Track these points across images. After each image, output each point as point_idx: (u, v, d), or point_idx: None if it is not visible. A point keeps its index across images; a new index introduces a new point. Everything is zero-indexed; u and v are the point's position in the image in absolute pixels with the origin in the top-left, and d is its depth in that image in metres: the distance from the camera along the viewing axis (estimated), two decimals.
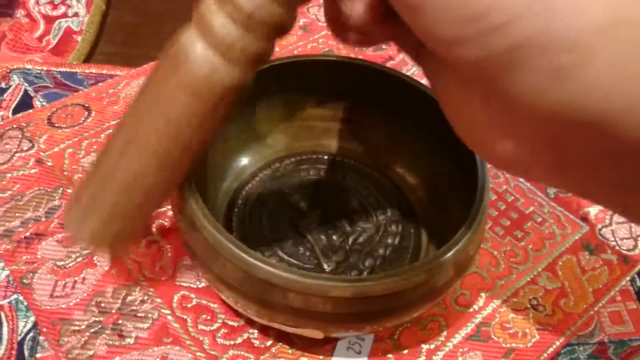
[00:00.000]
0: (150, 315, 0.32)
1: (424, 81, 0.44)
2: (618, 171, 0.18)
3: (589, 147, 0.18)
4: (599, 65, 0.16)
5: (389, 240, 0.35)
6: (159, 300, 0.32)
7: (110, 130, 0.40)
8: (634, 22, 0.16)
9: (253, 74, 0.23)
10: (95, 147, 0.39)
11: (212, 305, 0.32)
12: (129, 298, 0.32)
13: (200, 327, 0.31)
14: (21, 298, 0.32)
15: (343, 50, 0.48)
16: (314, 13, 0.51)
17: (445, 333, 0.33)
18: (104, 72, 0.45)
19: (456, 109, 0.23)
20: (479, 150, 0.23)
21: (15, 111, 0.41)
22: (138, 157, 0.24)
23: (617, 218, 0.39)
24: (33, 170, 0.37)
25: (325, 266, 0.33)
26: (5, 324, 0.31)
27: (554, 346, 0.33)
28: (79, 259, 0.33)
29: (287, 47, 0.48)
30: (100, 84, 0.43)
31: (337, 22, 0.23)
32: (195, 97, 0.22)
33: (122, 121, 0.25)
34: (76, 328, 0.31)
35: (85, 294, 0.32)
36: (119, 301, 0.32)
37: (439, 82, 0.23)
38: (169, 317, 0.32)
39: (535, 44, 0.17)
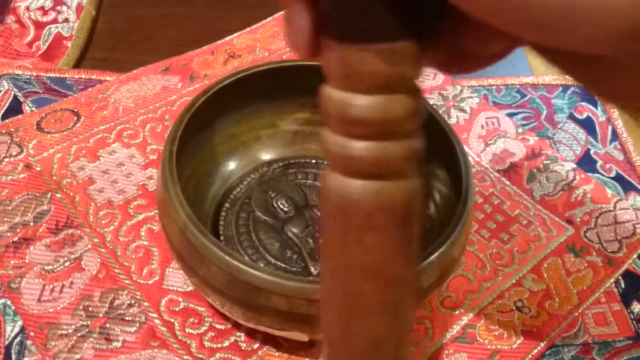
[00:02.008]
0: (137, 318, 0.32)
1: None
2: None
3: None
4: None
5: None
6: (146, 303, 0.32)
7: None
8: None
9: (417, 171, 0.20)
10: (84, 152, 0.39)
11: (199, 308, 0.33)
12: (117, 302, 0.32)
13: (187, 330, 0.32)
14: (9, 302, 0.32)
15: None
16: None
17: (430, 335, 0.33)
18: (94, 77, 0.45)
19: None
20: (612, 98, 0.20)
21: (5, 116, 0.41)
22: (367, 321, 0.21)
23: (602, 221, 0.39)
24: (22, 175, 0.37)
25: (313, 269, 0.33)
26: None
27: (539, 347, 0.33)
28: (66, 264, 0.34)
29: (276, 52, 0.48)
30: (89, 89, 0.43)
31: (447, 61, 0.20)
32: (378, 230, 0.19)
33: (328, 299, 0.22)
34: (63, 332, 0.31)
35: (72, 298, 0.32)
36: (107, 305, 0.32)
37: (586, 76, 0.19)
38: (157, 321, 0.32)
39: None
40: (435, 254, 0.27)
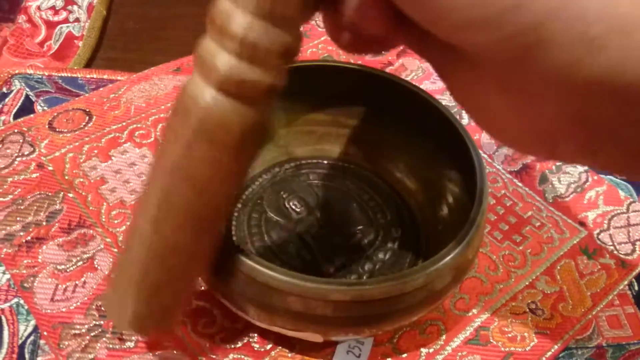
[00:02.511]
0: None
1: (423, 86, 0.44)
2: None
3: (621, 118, 0.17)
4: (636, 34, 0.15)
5: (389, 245, 0.35)
6: None
7: (110, 135, 0.40)
8: None
9: (269, 107, 0.22)
10: (96, 151, 0.39)
11: (212, 309, 0.32)
12: None
13: (200, 330, 0.32)
14: (22, 302, 0.32)
15: (342, 56, 0.49)
16: (313, 19, 0.51)
17: (444, 337, 0.33)
18: (105, 77, 0.45)
19: (470, 97, 0.21)
20: (498, 134, 0.22)
21: (17, 116, 0.41)
22: (171, 228, 0.23)
23: (615, 223, 0.39)
24: (34, 175, 0.37)
25: (325, 270, 0.33)
26: (6, 328, 0.31)
27: (553, 350, 0.33)
28: (79, 263, 0.34)
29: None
30: (101, 89, 0.43)
31: (335, 25, 0.22)
32: (214, 146, 0.21)
33: (145, 196, 0.24)
34: (77, 332, 0.31)
35: (85, 298, 0.32)
36: None
37: (448, 70, 0.22)
38: None
39: (563, 17, 0.16)
40: (450, 256, 0.27)
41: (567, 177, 0.42)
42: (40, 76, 0.44)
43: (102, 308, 0.28)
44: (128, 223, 0.36)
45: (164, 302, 0.25)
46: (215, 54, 0.20)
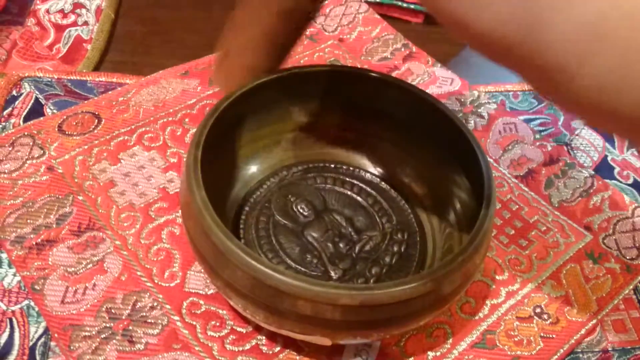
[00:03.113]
0: (159, 321, 0.32)
1: (429, 90, 0.45)
2: None
3: None
4: None
5: (395, 248, 0.35)
6: (168, 306, 0.33)
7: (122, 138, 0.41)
8: None
9: None
10: (105, 154, 0.39)
11: (221, 311, 0.33)
12: (139, 304, 0.33)
13: (209, 333, 0.32)
14: (32, 304, 0.32)
15: (349, 60, 0.49)
16: (320, 23, 0.52)
17: (450, 340, 0.33)
18: (114, 80, 0.45)
19: None
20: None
21: (27, 119, 0.41)
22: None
23: (620, 227, 0.39)
24: (44, 177, 0.38)
25: (332, 274, 0.34)
26: (16, 330, 0.31)
27: (558, 354, 0.33)
28: (89, 266, 0.34)
29: (294, 56, 0.49)
30: (110, 92, 0.44)
31: None
32: None
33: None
34: (87, 334, 0.31)
35: (95, 300, 0.33)
36: (129, 307, 0.32)
37: None
38: (179, 323, 0.32)
39: None
40: (457, 261, 0.27)
41: (572, 181, 0.42)
42: (49, 79, 0.44)
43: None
44: (137, 226, 0.36)
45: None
46: None
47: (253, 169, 0.37)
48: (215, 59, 0.32)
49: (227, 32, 0.31)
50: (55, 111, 0.42)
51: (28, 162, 0.38)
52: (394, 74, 0.48)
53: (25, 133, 0.40)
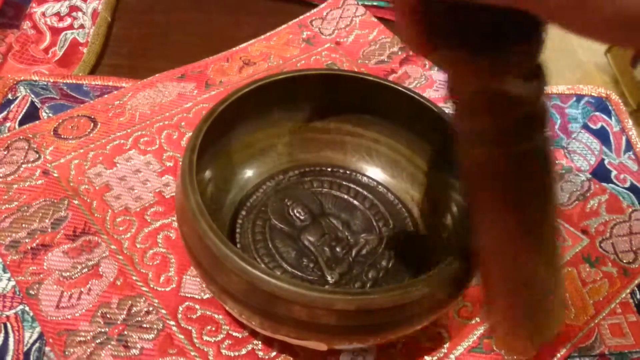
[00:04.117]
0: (155, 326, 0.32)
1: (426, 94, 0.45)
2: None
3: None
4: None
5: (392, 252, 0.35)
6: (163, 311, 0.33)
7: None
8: None
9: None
10: (100, 158, 0.39)
11: (216, 316, 0.33)
12: (134, 309, 0.32)
13: (205, 338, 0.32)
14: (27, 309, 0.32)
15: (346, 63, 0.49)
16: (317, 26, 0.52)
17: (447, 345, 0.33)
18: (110, 83, 0.45)
19: None
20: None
21: (22, 122, 0.41)
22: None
23: (617, 231, 0.39)
24: (39, 181, 0.38)
25: (329, 278, 0.33)
26: (11, 335, 0.31)
27: (556, 358, 0.33)
28: (84, 271, 0.34)
29: (291, 59, 0.48)
30: (106, 95, 0.44)
31: None
32: None
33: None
34: (82, 339, 0.31)
35: (90, 305, 0.32)
36: (124, 312, 0.32)
37: None
38: (174, 328, 0.32)
39: None
40: (454, 265, 0.27)
41: (569, 185, 0.42)
42: (45, 83, 0.44)
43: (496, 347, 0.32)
44: (133, 230, 0.36)
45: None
46: None
47: (249, 173, 0.37)
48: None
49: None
50: (50, 115, 0.42)
51: (23, 166, 0.38)
52: (390, 77, 0.48)
53: (21, 137, 0.40)
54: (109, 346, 0.31)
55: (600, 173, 0.43)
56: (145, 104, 0.43)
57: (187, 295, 0.33)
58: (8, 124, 0.41)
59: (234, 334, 0.32)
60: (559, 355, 0.33)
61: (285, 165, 0.38)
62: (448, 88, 0.23)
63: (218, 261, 0.27)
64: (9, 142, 0.40)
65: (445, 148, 0.34)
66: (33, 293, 0.33)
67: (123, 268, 0.34)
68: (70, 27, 0.50)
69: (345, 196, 0.38)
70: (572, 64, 0.56)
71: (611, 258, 0.38)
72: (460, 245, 0.28)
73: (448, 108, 0.45)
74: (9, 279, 0.33)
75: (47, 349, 0.31)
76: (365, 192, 0.38)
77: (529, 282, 0.26)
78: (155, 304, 0.33)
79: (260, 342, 0.32)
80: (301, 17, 0.52)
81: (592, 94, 0.48)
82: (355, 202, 0.37)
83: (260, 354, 0.32)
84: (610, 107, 0.47)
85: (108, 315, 0.32)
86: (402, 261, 0.35)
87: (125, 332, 0.31)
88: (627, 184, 0.43)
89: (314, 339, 0.27)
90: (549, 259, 0.26)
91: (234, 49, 0.49)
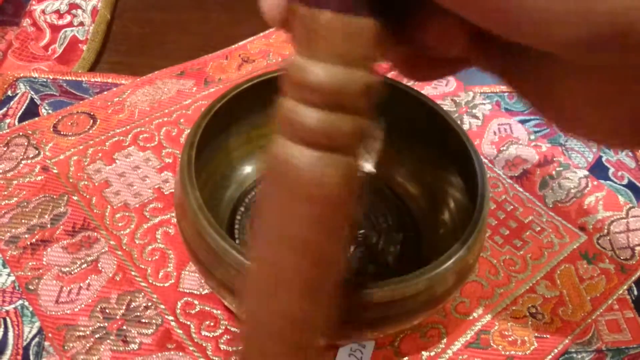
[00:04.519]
0: (154, 321, 0.32)
1: (424, 91, 0.45)
2: None
3: None
4: None
5: (390, 248, 0.35)
6: (162, 306, 0.33)
7: (117, 136, 0.41)
8: None
9: (360, 150, 0.20)
10: (100, 154, 0.39)
11: (215, 311, 0.33)
12: (133, 304, 0.33)
13: (203, 333, 0.32)
14: (27, 304, 0.32)
15: None
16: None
17: (445, 340, 0.33)
18: (109, 80, 0.45)
19: (549, 100, 0.20)
20: (576, 130, 0.20)
21: (22, 119, 0.41)
22: (288, 300, 0.21)
23: (614, 228, 0.39)
24: (39, 177, 0.38)
25: None
26: (10, 330, 0.31)
27: (553, 354, 0.33)
28: (83, 266, 0.34)
29: (290, 57, 0.49)
30: (105, 92, 0.44)
31: (406, 55, 0.21)
32: (314, 203, 0.20)
33: (253, 272, 0.22)
34: (81, 334, 0.31)
35: (90, 300, 0.32)
36: (123, 307, 0.32)
37: (525, 78, 0.20)
38: (173, 323, 0.32)
39: None
40: (451, 261, 0.27)
41: (567, 182, 0.42)
42: (45, 79, 0.44)
43: None
44: (132, 226, 0.36)
45: None
46: (298, 110, 0.19)
47: (248, 169, 0.37)
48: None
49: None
50: (50, 111, 0.42)
51: (23, 162, 0.38)
52: (389, 75, 0.48)
53: (20, 133, 0.40)
54: (108, 341, 0.31)
55: (598, 170, 0.43)
56: (144, 100, 0.43)
57: (185, 290, 0.34)
58: (8, 121, 0.41)
59: (233, 329, 0.32)
60: (556, 351, 0.33)
61: None
62: None
63: (217, 256, 0.27)
64: (8, 138, 0.40)
65: (443, 145, 0.34)
66: (32, 288, 0.33)
67: (122, 263, 0.34)
68: (70, 24, 0.50)
69: None
70: None
71: (608, 255, 0.38)
72: (459, 242, 0.28)
73: (446, 105, 0.45)
74: (8, 274, 0.33)
75: (46, 343, 0.31)
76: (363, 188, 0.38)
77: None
78: (154, 299, 0.33)
79: None
80: None
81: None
82: None
83: None
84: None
85: (107, 310, 0.32)
86: (400, 257, 0.35)
87: (124, 327, 0.32)
88: (625, 181, 0.43)
89: None
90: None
91: (233, 46, 0.49)
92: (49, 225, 0.35)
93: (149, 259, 0.35)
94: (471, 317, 0.34)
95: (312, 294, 0.21)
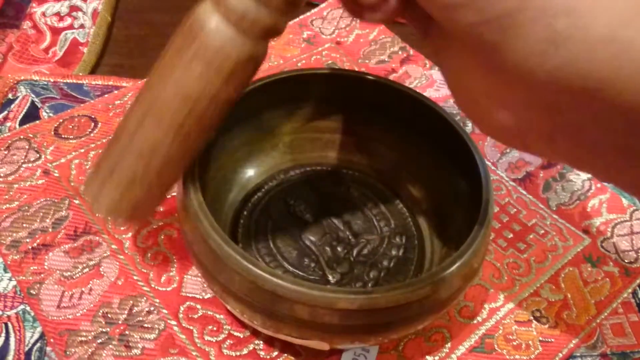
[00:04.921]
0: (156, 326, 0.32)
1: (427, 93, 0.45)
2: (611, 136, 0.19)
3: (582, 112, 0.19)
4: (596, 30, 0.17)
5: (393, 252, 0.35)
6: (165, 311, 0.33)
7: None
8: None
9: (265, 48, 0.25)
10: None
11: (218, 316, 0.33)
12: (136, 309, 0.32)
13: (206, 338, 0.32)
14: (28, 309, 0.32)
15: (347, 63, 0.49)
16: (317, 26, 0.52)
17: (449, 345, 0.33)
18: (110, 83, 0.45)
19: (458, 81, 0.24)
20: (478, 122, 0.24)
21: (22, 122, 0.41)
22: (155, 128, 0.25)
23: (618, 230, 0.39)
24: (40, 181, 0.37)
25: (330, 277, 0.33)
26: (12, 335, 0.31)
27: (557, 358, 0.33)
28: (85, 270, 0.34)
29: (291, 59, 0.48)
30: (106, 95, 0.44)
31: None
32: (210, 67, 0.24)
33: (140, 93, 0.26)
34: (83, 339, 0.31)
35: (92, 305, 0.32)
36: (126, 312, 0.32)
37: (444, 56, 0.24)
38: (175, 328, 0.32)
39: (532, 7, 0.17)
40: (456, 265, 0.27)
41: (570, 185, 0.42)
42: (45, 82, 0.44)
43: (81, 192, 0.30)
44: (134, 230, 0.36)
45: (137, 195, 0.27)
46: None
47: (250, 172, 0.37)
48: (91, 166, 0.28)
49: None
50: (51, 114, 0.42)
51: (24, 165, 0.38)
52: (391, 77, 0.48)
53: (21, 137, 0.40)
54: (110, 346, 0.31)
55: None
56: None
57: (188, 295, 0.33)
58: (8, 124, 0.41)
59: (236, 333, 0.32)
60: (560, 355, 0.33)
61: (287, 164, 0.38)
62: None
63: (220, 260, 0.27)
64: (9, 141, 0.40)
65: (446, 147, 0.34)
66: (34, 293, 0.32)
67: (124, 268, 0.34)
68: (71, 27, 0.50)
69: (347, 196, 0.37)
70: None
71: (612, 258, 0.38)
72: (464, 246, 0.28)
73: (449, 107, 0.45)
74: (10, 279, 0.33)
75: (48, 349, 0.31)
76: (366, 192, 0.38)
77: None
78: (157, 304, 0.33)
79: (261, 342, 0.32)
80: (301, 16, 0.52)
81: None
82: (356, 202, 0.37)
83: (262, 353, 0.32)
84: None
85: (109, 315, 0.32)
86: (404, 261, 0.35)
87: (127, 332, 0.31)
88: None
89: (316, 338, 0.27)
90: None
91: None
92: (50, 230, 0.35)
93: (152, 263, 0.34)
94: (475, 321, 0.34)
95: (178, 134, 0.25)
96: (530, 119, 0.21)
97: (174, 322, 0.32)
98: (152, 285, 0.33)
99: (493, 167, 0.42)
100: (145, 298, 0.33)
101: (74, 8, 0.51)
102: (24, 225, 0.35)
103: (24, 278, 0.33)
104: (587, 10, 0.17)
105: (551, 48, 0.17)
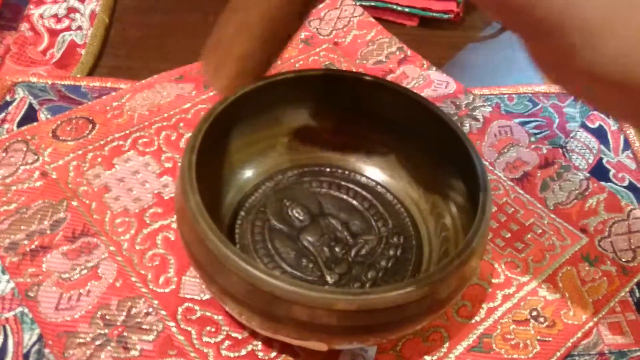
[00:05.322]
0: (154, 327, 0.32)
1: (424, 94, 0.45)
2: None
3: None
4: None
5: (391, 252, 0.35)
6: (163, 312, 0.33)
7: (116, 143, 0.40)
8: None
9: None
10: (99, 159, 0.39)
11: (216, 317, 0.33)
12: (134, 310, 0.32)
13: (204, 339, 0.32)
14: (26, 311, 0.32)
15: (344, 64, 0.49)
16: (315, 27, 0.52)
17: (447, 344, 0.33)
18: (108, 85, 0.45)
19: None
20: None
21: (20, 124, 0.41)
22: (255, 19, 0.29)
23: (616, 230, 0.39)
24: (38, 183, 0.38)
25: (328, 278, 0.33)
26: (10, 337, 0.31)
27: (555, 357, 0.33)
28: (83, 272, 0.34)
29: (289, 60, 0.48)
30: (104, 97, 0.44)
31: None
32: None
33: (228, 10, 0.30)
34: (81, 340, 0.31)
35: (90, 307, 0.32)
36: (124, 313, 0.32)
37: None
38: (174, 329, 0.32)
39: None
40: (454, 265, 0.27)
41: (568, 184, 0.42)
42: (43, 84, 0.44)
43: (203, 70, 0.33)
44: (132, 231, 0.36)
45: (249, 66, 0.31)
46: None
47: (248, 173, 0.37)
48: (207, 47, 0.31)
49: (221, 17, 0.30)
50: (49, 116, 0.42)
51: (22, 167, 0.38)
52: (389, 78, 0.48)
53: (19, 138, 0.40)
54: (109, 348, 0.31)
55: (599, 172, 0.43)
56: (143, 105, 0.43)
57: (186, 296, 0.33)
58: (6, 126, 0.41)
59: (234, 334, 0.32)
60: (558, 354, 0.33)
61: (285, 165, 0.38)
62: None
63: (218, 262, 0.27)
64: (7, 143, 0.39)
65: (444, 148, 0.34)
66: (32, 295, 0.32)
67: (122, 269, 0.34)
68: (68, 28, 0.50)
69: (344, 196, 0.38)
70: None
71: (610, 257, 0.38)
72: (462, 245, 0.28)
73: (446, 107, 0.45)
74: (7, 281, 0.33)
75: (46, 350, 0.31)
76: (364, 192, 0.38)
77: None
78: (155, 305, 0.33)
79: (260, 343, 0.32)
80: None
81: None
82: (354, 202, 0.37)
83: (260, 354, 0.32)
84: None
85: (107, 317, 0.32)
86: (402, 261, 0.35)
87: (125, 334, 0.31)
88: (626, 183, 0.43)
89: (315, 339, 0.27)
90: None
91: None
92: (48, 231, 0.35)
93: (150, 265, 0.34)
94: (473, 321, 0.34)
95: (263, 39, 0.30)
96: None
97: (172, 324, 0.32)
98: (150, 287, 0.33)
99: (491, 167, 0.42)
100: (143, 299, 0.33)
101: (71, 10, 0.51)
102: (22, 227, 0.35)
103: (22, 280, 0.33)
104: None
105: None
